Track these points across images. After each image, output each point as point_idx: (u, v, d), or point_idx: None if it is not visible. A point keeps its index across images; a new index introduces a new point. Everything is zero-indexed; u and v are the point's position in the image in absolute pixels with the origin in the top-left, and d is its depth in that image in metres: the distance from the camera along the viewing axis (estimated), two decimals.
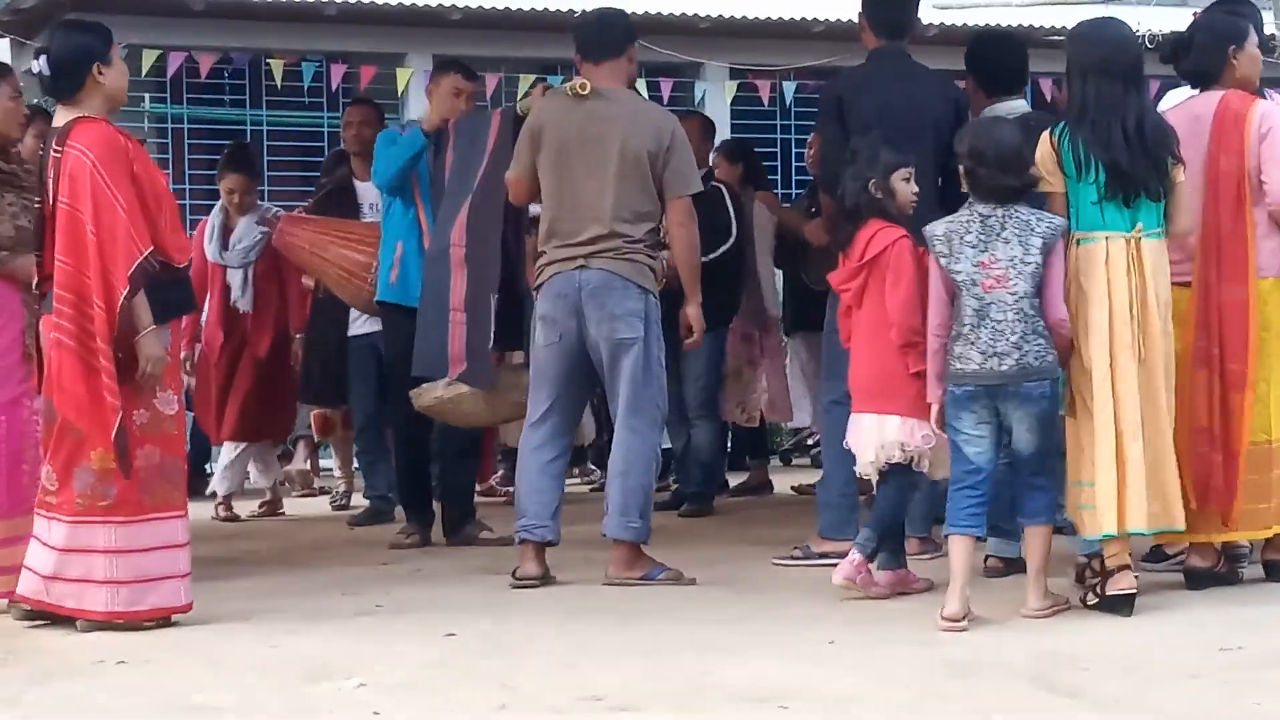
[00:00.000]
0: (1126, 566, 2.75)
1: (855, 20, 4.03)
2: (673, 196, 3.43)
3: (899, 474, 3.09)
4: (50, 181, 2.75)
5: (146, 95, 6.28)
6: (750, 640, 2.62)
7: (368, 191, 4.80)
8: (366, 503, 5.19)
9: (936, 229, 2.83)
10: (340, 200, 4.99)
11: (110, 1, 5.42)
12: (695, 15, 6.52)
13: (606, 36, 3.58)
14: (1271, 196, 2.98)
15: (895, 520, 3.19)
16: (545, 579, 3.37)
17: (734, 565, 3.77)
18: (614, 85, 3.49)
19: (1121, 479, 2.70)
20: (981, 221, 2.75)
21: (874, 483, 3.17)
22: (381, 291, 4.31)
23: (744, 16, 6.61)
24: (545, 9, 6.25)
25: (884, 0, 3.80)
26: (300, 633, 2.77)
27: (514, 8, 6.29)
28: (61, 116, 2.85)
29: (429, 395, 3.84)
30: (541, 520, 3.38)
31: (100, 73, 2.79)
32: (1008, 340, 2.68)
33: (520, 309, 3.98)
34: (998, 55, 3.97)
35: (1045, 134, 2.89)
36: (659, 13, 6.27)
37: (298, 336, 5.29)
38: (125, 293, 2.63)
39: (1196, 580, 3.02)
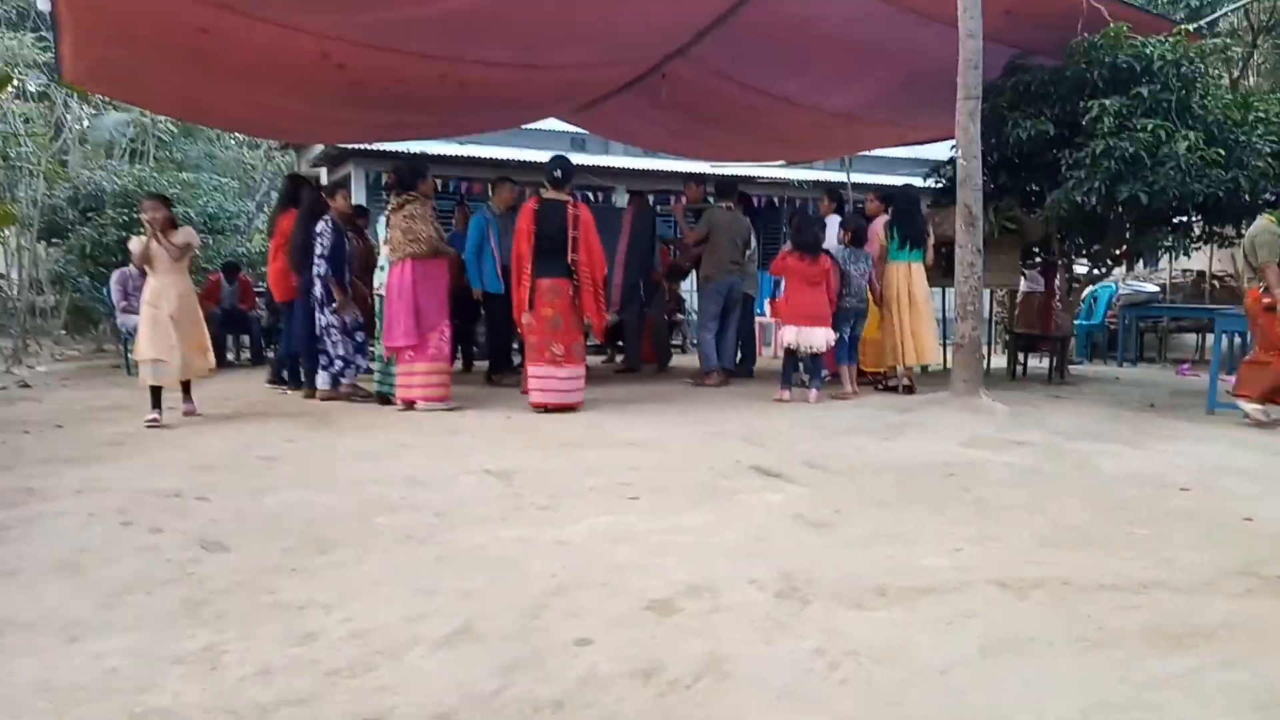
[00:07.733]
0: (909, 376, 7.60)
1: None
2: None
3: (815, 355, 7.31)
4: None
5: None
6: (640, 420, 6.07)
7: None
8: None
9: (837, 254, 7.40)
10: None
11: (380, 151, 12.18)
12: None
13: (728, 187, 8.63)
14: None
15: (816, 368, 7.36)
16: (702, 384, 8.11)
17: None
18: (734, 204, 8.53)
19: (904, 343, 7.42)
20: (851, 253, 7.24)
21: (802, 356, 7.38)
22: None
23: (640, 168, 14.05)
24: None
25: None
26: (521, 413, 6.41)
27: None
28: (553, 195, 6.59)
29: None
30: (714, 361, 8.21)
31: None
32: (856, 294, 7.28)
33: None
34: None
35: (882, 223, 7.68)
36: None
37: None
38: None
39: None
